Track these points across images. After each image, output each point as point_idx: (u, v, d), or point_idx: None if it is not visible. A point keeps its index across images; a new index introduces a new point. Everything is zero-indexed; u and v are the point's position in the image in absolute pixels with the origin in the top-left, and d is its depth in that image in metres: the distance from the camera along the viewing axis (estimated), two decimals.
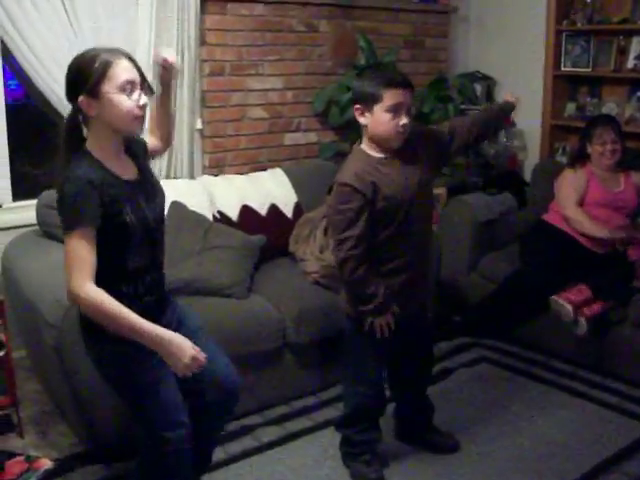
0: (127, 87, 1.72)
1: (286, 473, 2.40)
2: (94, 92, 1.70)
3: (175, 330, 1.83)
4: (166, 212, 2.05)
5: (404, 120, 2.09)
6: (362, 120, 2.14)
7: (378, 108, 2.08)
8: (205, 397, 2.01)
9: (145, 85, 1.78)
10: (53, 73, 2.95)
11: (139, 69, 1.77)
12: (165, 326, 1.80)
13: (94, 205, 1.70)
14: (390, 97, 2.06)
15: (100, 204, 1.71)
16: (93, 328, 1.80)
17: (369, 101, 2.09)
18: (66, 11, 2.96)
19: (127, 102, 1.72)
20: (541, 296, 3.18)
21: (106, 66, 1.70)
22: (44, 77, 2.95)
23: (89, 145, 1.78)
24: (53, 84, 2.96)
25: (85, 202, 1.69)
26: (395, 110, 2.07)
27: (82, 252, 1.69)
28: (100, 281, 1.72)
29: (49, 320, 2.29)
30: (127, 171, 1.84)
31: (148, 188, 1.88)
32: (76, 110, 1.76)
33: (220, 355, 2.04)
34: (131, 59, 1.76)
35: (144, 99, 1.76)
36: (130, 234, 1.78)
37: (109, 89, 1.70)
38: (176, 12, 3.20)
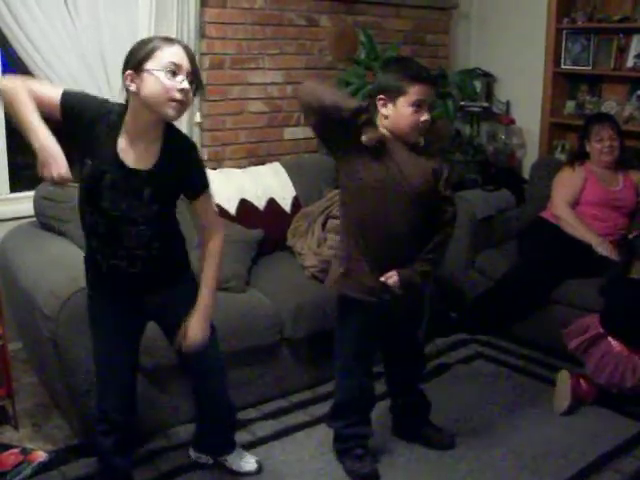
0: (171, 68, 1.75)
1: (282, 467, 2.40)
2: (138, 68, 1.76)
3: (158, 314, 2.05)
4: None
5: (425, 116, 2.11)
6: (383, 111, 2.16)
7: (402, 101, 2.10)
8: (194, 379, 2.24)
9: (194, 77, 1.80)
10: (51, 63, 2.94)
11: (192, 61, 1.81)
12: (145, 302, 2.00)
13: (85, 107, 1.82)
14: (416, 92, 2.09)
15: (86, 123, 1.80)
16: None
17: (394, 93, 2.11)
18: (66, 2, 2.94)
19: (167, 81, 1.75)
20: (538, 293, 3.19)
21: (156, 47, 1.77)
22: (42, 67, 2.93)
23: (126, 116, 1.84)
24: (51, 74, 2.94)
25: (83, 98, 1.84)
26: (418, 105, 2.09)
27: (41, 84, 1.83)
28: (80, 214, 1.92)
29: (46, 312, 2.29)
30: (139, 159, 1.84)
31: (141, 184, 1.84)
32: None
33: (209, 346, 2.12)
34: (187, 49, 1.81)
35: (185, 84, 1.77)
36: (83, 188, 1.88)
37: (152, 66, 1.75)
38: (176, 5, 3.19)
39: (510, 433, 2.62)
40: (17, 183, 3.20)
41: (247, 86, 3.63)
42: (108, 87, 3.10)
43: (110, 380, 2.04)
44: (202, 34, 3.41)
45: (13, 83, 1.78)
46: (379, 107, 2.16)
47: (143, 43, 1.81)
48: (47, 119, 1.78)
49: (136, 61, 1.77)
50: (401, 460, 2.45)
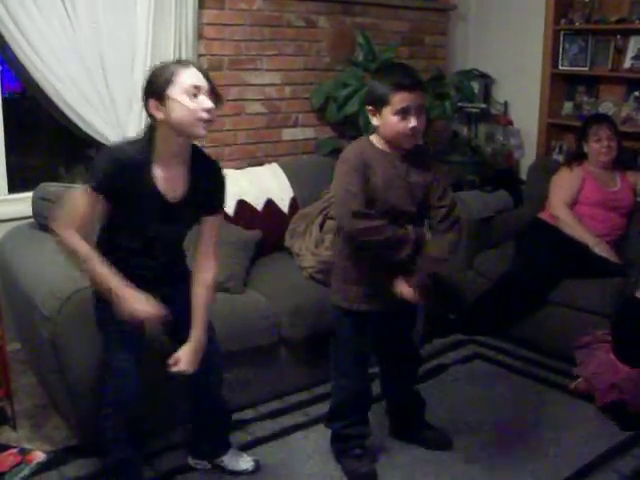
0: (192, 90, 1.84)
1: (279, 468, 2.40)
2: (161, 96, 1.84)
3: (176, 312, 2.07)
4: None
5: (413, 122, 2.08)
6: (374, 121, 2.15)
7: (387, 111, 2.09)
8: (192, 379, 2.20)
9: (214, 94, 1.90)
10: (50, 65, 2.94)
11: (208, 78, 1.90)
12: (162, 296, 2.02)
13: (110, 178, 1.86)
14: (398, 100, 2.06)
15: (118, 182, 1.86)
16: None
17: (378, 103, 2.10)
18: (64, 4, 2.95)
19: (191, 104, 1.84)
20: (536, 294, 3.20)
21: (173, 73, 1.85)
22: (41, 69, 2.93)
23: (156, 144, 1.92)
24: (50, 76, 2.95)
25: (106, 172, 1.86)
26: (403, 113, 2.07)
27: (80, 204, 1.89)
28: (108, 235, 2.01)
29: (44, 313, 2.29)
30: (172, 187, 1.95)
31: (179, 211, 1.98)
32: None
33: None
34: (201, 69, 1.90)
35: (209, 103, 1.86)
36: (122, 217, 1.96)
37: (174, 92, 1.83)
38: (174, 6, 3.19)
39: (507, 433, 2.62)
40: (15, 184, 3.21)
41: (245, 87, 3.64)
42: (107, 90, 3.11)
43: (131, 374, 2.05)
44: (200, 35, 3.42)
45: (67, 236, 1.89)
46: (370, 117, 2.17)
47: (160, 71, 1.87)
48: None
49: (158, 89, 1.84)
50: (399, 460, 2.46)
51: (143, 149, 1.91)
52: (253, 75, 3.66)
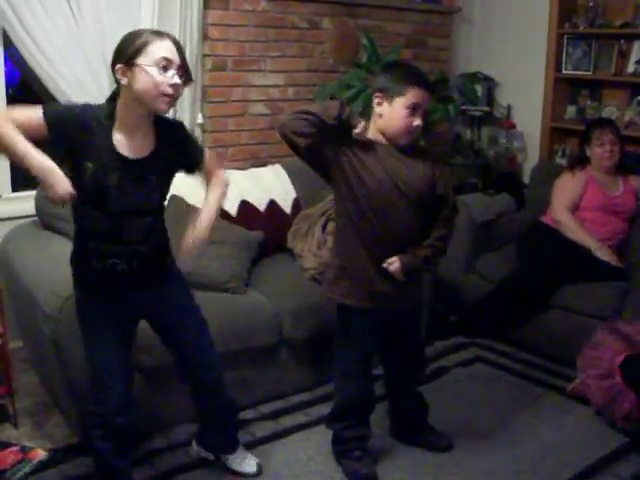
0: (162, 63, 1.77)
1: (280, 468, 2.40)
2: (130, 62, 1.76)
3: (150, 314, 2.06)
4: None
5: (418, 121, 2.14)
6: (378, 110, 2.17)
7: (398, 102, 2.12)
8: (190, 377, 2.24)
9: (184, 71, 1.82)
10: (54, 63, 2.95)
11: (182, 54, 1.83)
12: (133, 302, 1.99)
13: (67, 121, 1.79)
14: (414, 95, 2.11)
15: (76, 130, 1.79)
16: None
17: (392, 93, 2.13)
18: (69, 3, 2.95)
19: (158, 76, 1.76)
20: (538, 297, 3.20)
21: (147, 42, 1.77)
22: (45, 67, 2.94)
23: (117, 110, 1.85)
24: (54, 74, 2.96)
25: (69, 111, 1.82)
26: (414, 108, 2.12)
27: (25, 112, 1.78)
28: (77, 225, 1.94)
29: (47, 311, 2.30)
30: (137, 150, 1.86)
31: (142, 173, 1.87)
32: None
33: (202, 338, 2.18)
34: (176, 42, 1.82)
35: (176, 79, 1.79)
36: (83, 193, 1.80)
37: (144, 61, 1.76)
38: (179, 6, 3.20)
39: (508, 436, 2.63)
40: (19, 182, 3.21)
41: (249, 88, 3.64)
42: (110, 89, 3.10)
43: (109, 383, 2.01)
44: (205, 36, 3.43)
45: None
46: (374, 105, 2.19)
47: (134, 36, 1.80)
48: (35, 142, 1.75)
49: (128, 55, 1.77)
50: (400, 462, 2.46)
51: (107, 113, 1.84)
52: (257, 76, 3.66)
